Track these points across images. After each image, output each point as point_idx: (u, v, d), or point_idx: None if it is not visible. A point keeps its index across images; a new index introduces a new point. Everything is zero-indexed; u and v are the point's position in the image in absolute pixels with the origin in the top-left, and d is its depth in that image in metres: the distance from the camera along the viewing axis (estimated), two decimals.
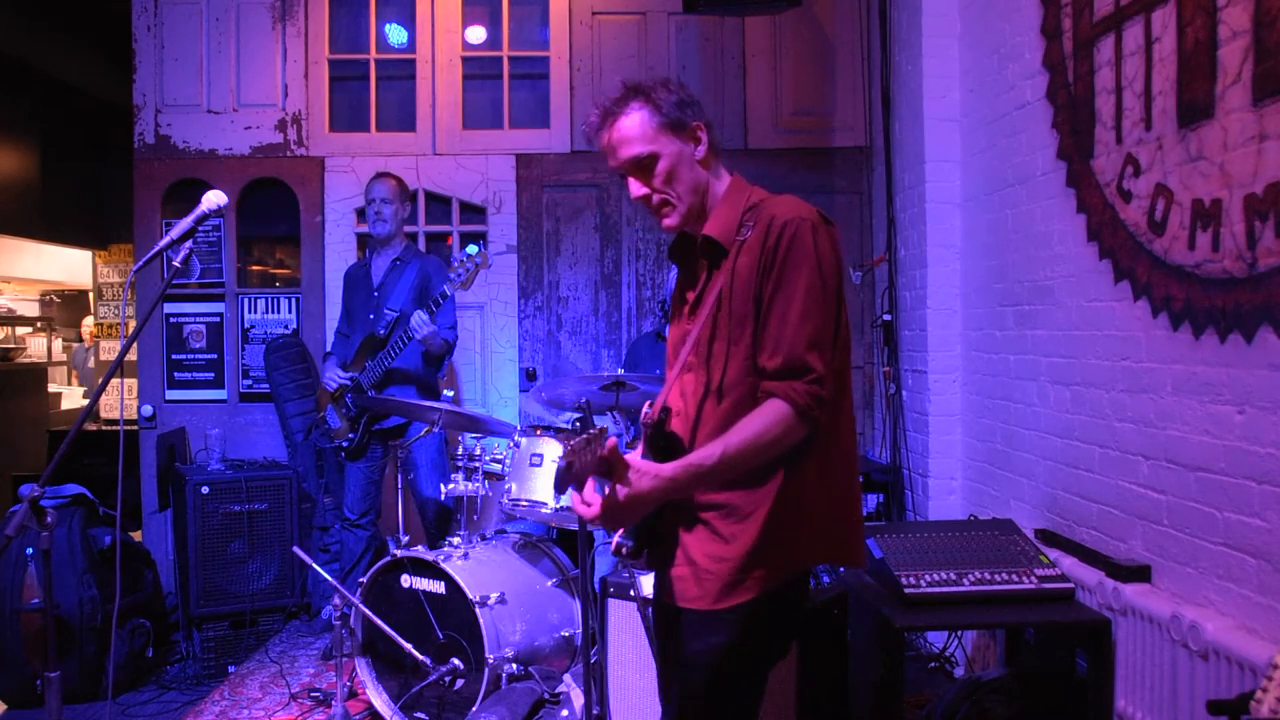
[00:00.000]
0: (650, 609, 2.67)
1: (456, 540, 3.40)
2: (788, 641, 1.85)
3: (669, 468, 1.59)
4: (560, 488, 1.50)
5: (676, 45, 5.02)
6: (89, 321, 9.54)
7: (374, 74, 5.02)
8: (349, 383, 4.03)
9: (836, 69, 5.01)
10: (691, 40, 5.02)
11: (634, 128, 1.76)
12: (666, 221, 1.81)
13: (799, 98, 5.02)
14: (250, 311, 5.04)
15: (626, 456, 1.56)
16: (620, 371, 3.35)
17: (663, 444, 1.75)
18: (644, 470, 1.58)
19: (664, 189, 1.78)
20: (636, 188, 1.80)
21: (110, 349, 9.68)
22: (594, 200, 5.04)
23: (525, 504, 3.34)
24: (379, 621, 3.11)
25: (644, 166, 1.77)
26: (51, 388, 8.17)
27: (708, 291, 1.78)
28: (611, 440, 1.54)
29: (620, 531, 1.76)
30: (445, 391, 4.14)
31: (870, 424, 5.00)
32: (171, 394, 4.98)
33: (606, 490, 1.58)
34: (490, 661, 2.99)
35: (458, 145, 4.99)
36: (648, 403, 1.77)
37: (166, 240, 2.03)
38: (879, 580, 2.79)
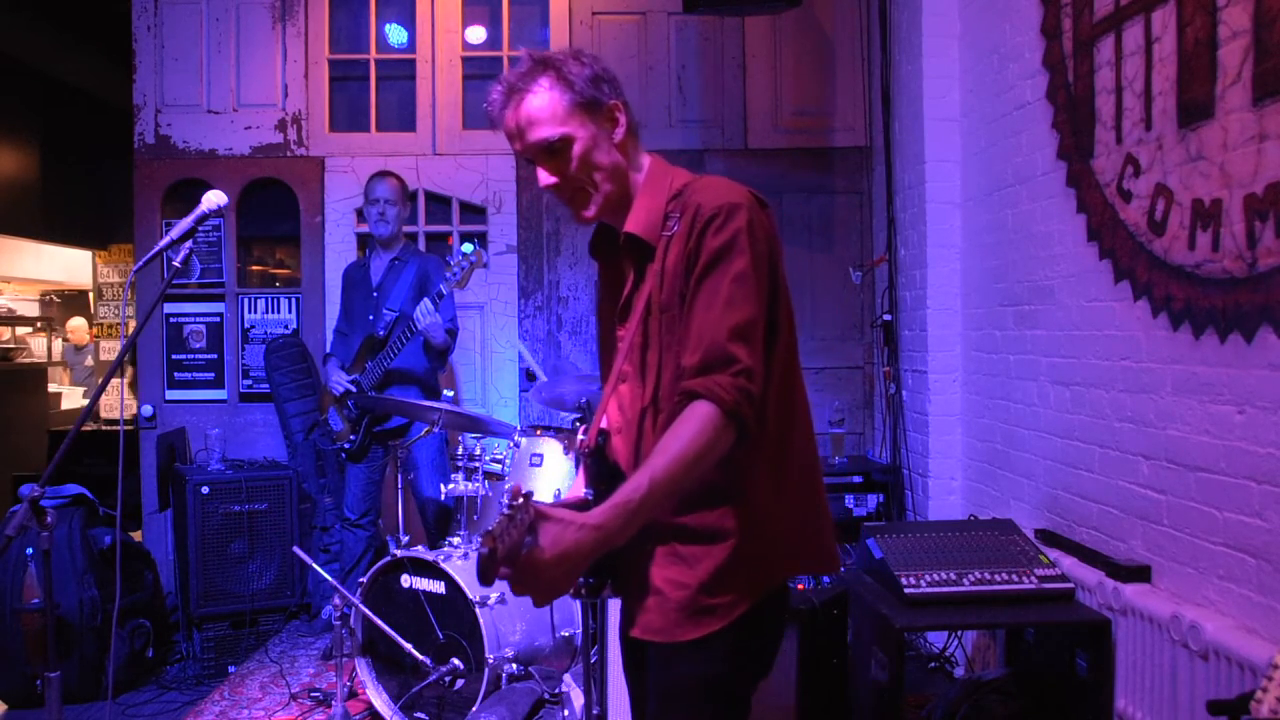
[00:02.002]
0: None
1: (456, 540, 3.40)
2: (769, 660, 1.67)
3: (596, 514, 1.37)
4: (485, 578, 1.26)
5: (676, 45, 5.02)
6: (73, 324, 9.52)
7: (374, 74, 5.02)
8: (351, 388, 4.03)
9: (836, 69, 5.01)
10: (691, 40, 5.02)
11: (543, 108, 1.55)
12: (581, 214, 1.62)
13: (799, 98, 5.02)
14: (250, 311, 5.04)
15: (549, 508, 1.35)
16: None
17: (605, 473, 1.56)
18: (567, 522, 1.34)
19: (578, 177, 1.58)
20: (546, 176, 1.59)
21: (110, 349, 9.68)
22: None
23: None
24: (379, 621, 3.11)
25: (555, 151, 1.57)
26: (51, 388, 8.17)
27: (636, 295, 1.60)
28: (537, 507, 1.33)
29: None
30: (445, 391, 4.14)
31: (870, 424, 5.00)
32: (171, 394, 4.98)
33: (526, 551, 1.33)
34: (490, 661, 2.99)
35: (458, 145, 4.99)
36: (582, 428, 1.61)
37: (166, 240, 2.02)
38: (879, 580, 2.79)
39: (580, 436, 1.59)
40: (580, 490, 1.61)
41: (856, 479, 4.13)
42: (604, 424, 1.61)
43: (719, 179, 1.59)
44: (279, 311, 5.04)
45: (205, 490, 4.04)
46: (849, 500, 4.09)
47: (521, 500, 1.29)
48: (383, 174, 4.13)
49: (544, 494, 3.32)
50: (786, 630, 2.70)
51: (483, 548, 1.24)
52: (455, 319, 4.04)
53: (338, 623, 3.14)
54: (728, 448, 1.45)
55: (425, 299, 3.78)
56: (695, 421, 1.43)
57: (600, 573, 1.58)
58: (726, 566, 1.52)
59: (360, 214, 4.91)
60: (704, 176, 1.62)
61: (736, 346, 1.45)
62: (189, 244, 2.01)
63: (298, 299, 5.02)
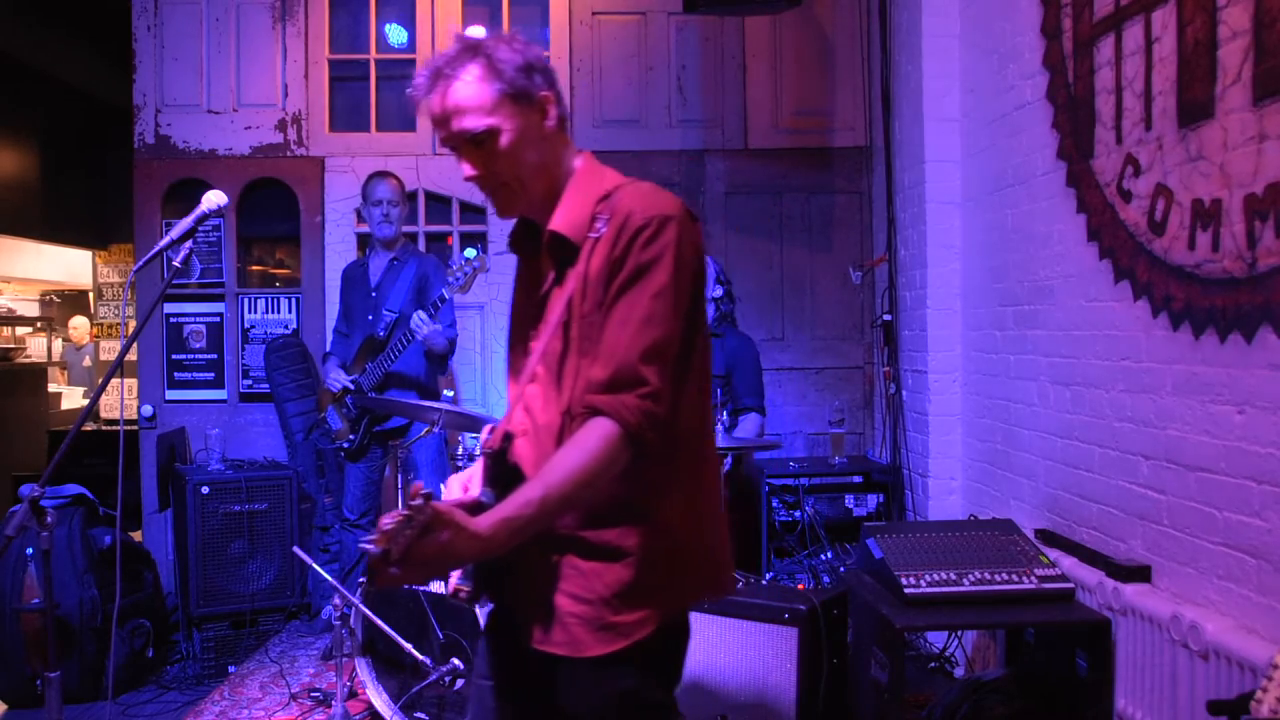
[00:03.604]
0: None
1: None
2: (678, 674, 1.60)
3: (484, 524, 1.33)
4: (374, 579, 1.24)
5: (676, 45, 5.02)
6: (75, 322, 9.52)
7: (374, 74, 5.02)
8: (350, 385, 4.03)
9: (836, 69, 5.01)
10: (691, 40, 5.02)
11: (470, 96, 1.47)
12: (504, 210, 1.56)
13: (799, 98, 5.02)
14: (250, 311, 5.04)
15: (447, 511, 1.30)
16: None
17: (503, 476, 1.51)
18: (460, 527, 1.31)
19: (504, 172, 1.51)
20: (468, 168, 1.51)
21: (110, 349, 9.68)
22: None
23: None
24: (379, 621, 3.11)
25: (479, 143, 1.49)
26: (51, 388, 8.17)
27: (554, 297, 1.54)
28: (436, 508, 1.28)
29: (458, 574, 1.55)
30: (445, 392, 4.14)
31: (870, 424, 5.00)
32: (171, 394, 4.98)
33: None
34: None
35: None
36: (488, 427, 1.58)
37: (166, 240, 2.02)
38: (879, 580, 2.79)
39: (485, 436, 1.55)
40: (477, 490, 1.56)
41: (856, 479, 4.13)
42: (510, 426, 1.57)
43: (650, 186, 1.52)
44: (279, 311, 5.03)
45: (205, 490, 4.04)
46: (849, 500, 4.09)
47: (421, 500, 1.25)
48: (381, 174, 4.12)
49: None
50: (786, 630, 2.72)
51: (375, 547, 1.22)
52: (455, 324, 4.05)
53: (338, 623, 3.14)
54: (622, 467, 1.42)
55: (419, 311, 3.76)
56: (595, 440, 1.40)
57: (483, 579, 1.56)
58: (635, 584, 1.47)
59: (360, 214, 4.91)
60: (636, 182, 1.55)
61: (648, 368, 1.41)
62: (189, 244, 2.01)
63: (298, 299, 5.02)
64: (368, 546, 1.24)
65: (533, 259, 1.64)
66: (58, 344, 9.90)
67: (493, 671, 1.66)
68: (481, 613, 3.03)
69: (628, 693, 1.51)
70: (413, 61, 5.00)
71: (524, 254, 1.67)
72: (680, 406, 1.48)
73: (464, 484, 1.64)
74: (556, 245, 1.53)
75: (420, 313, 3.76)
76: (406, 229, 4.61)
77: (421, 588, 3.17)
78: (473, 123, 1.48)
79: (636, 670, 1.50)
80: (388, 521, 1.24)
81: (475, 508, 1.42)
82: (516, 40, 1.53)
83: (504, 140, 1.49)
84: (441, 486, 1.83)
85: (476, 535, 1.32)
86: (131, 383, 6.10)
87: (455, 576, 1.58)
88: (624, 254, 1.44)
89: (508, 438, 1.55)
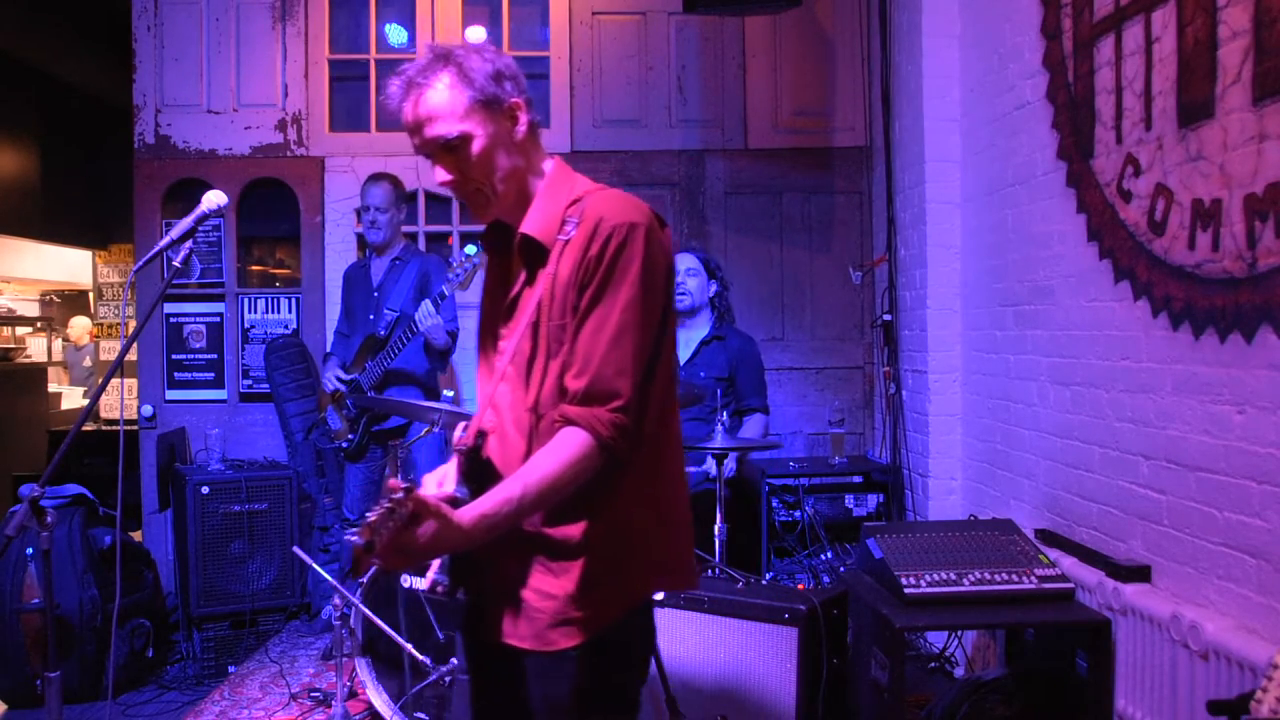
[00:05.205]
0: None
1: None
2: (644, 668, 1.68)
3: (465, 518, 1.40)
4: (357, 570, 1.31)
5: (676, 45, 5.02)
6: (76, 322, 9.52)
7: (374, 74, 5.01)
8: (350, 384, 4.03)
9: (836, 69, 5.01)
10: (691, 40, 5.02)
11: (442, 104, 1.52)
12: (478, 214, 1.61)
13: (799, 98, 5.02)
14: (250, 311, 5.04)
15: (430, 502, 1.37)
16: None
17: (477, 472, 1.58)
18: (444, 518, 1.38)
19: (477, 177, 1.56)
20: (442, 173, 1.56)
21: (110, 349, 9.68)
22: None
23: None
24: (379, 621, 3.11)
25: (452, 149, 1.54)
26: (51, 388, 8.17)
27: (524, 297, 1.59)
28: (420, 498, 1.35)
29: (435, 568, 1.62)
30: (445, 392, 4.14)
31: (870, 424, 5.00)
32: (171, 394, 4.98)
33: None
34: None
35: None
36: (462, 424, 1.63)
37: (166, 240, 2.02)
38: (879, 580, 2.79)
39: (459, 434, 1.60)
40: (452, 486, 1.61)
41: (856, 479, 4.13)
42: (482, 424, 1.62)
43: (620, 193, 1.58)
44: (279, 311, 5.04)
45: (205, 490, 4.04)
46: (849, 500, 4.09)
47: (402, 494, 1.31)
48: (376, 178, 4.10)
49: None
50: (786, 630, 2.72)
51: (359, 539, 1.27)
52: (456, 320, 4.04)
53: (338, 623, 3.14)
54: (593, 476, 1.49)
55: (426, 300, 3.78)
56: (570, 449, 1.46)
57: (457, 574, 1.61)
58: (593, 579, 1.53)
59: (360, 214, 4.91)
60: (605, 188, 1.60)
61: (621, 381, 1.48)
62: (189, 244, 2.01)
63: (298, 299, 5.02)
64: (352, 538, 1.28)
65: (503, 259, 1.69)
66: (58, 344, 9.90)
67: (467, 664, 1.73)
68: None
69: (591, 683, 1.56)
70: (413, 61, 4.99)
71: (495, 254, 1.72)
72: (646, 410, 1.54)
73: (438, 480, 1.67)
74: (527, 247, 1.58)
75: (427, 301, 3.76)
76: (407, 229, 4.60)
77: (421, 588, 3.17)
78: (445, 129, 1.52)
79: (601, 661, 1.56)
80: (371, 514, 1.29)
81: (451, 503, 1.47)
82: (487, 49, 1.57)
83: (476, 146, 1.54)
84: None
85: (459, 527, 1.39)
86: (131, 383, 6.10)
87: (433, 571, 1.63)
88: (595, 261, 1.49)
89: (480, 435, 1.61)
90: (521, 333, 1.56)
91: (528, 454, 1.54)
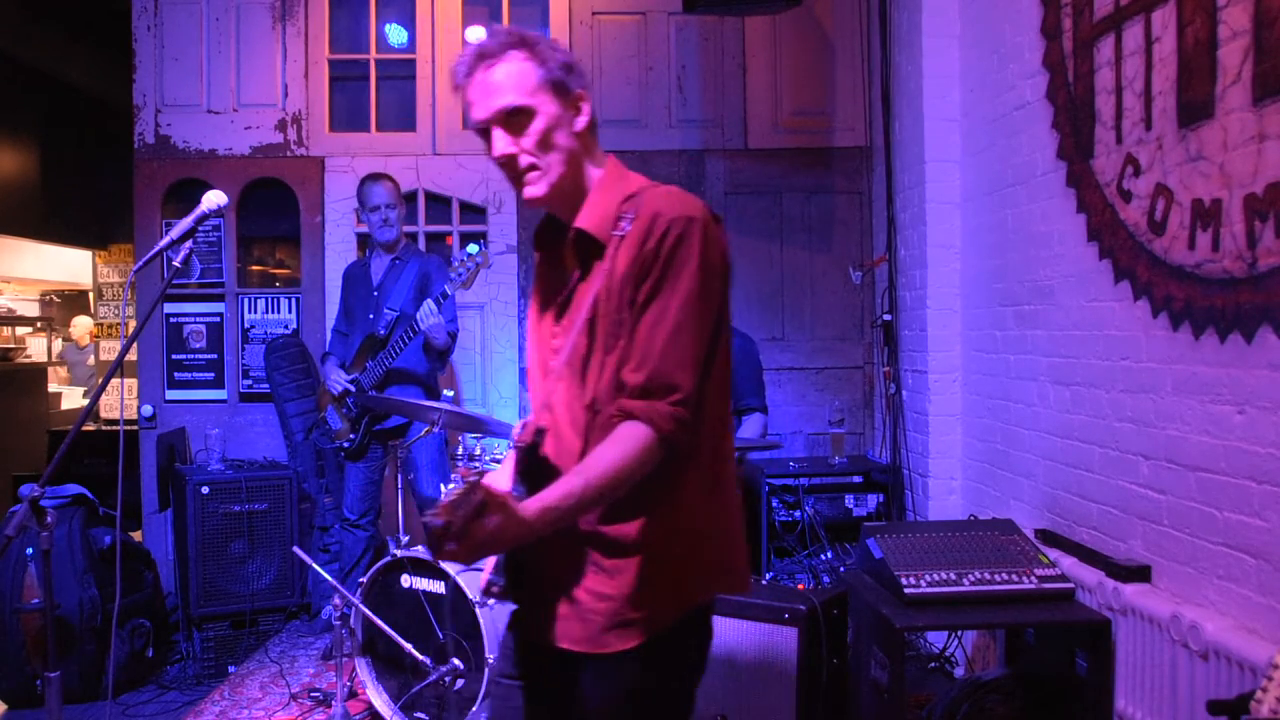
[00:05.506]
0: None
1: None
2: (700, 670, 1.63)
3: (529, 511, 1.38)
4: (438, 549, 1.30)
5: (676, 45, 5.02)
6: (78, 322, 9.52)
7: (374, 74, 5.02)
8: (350, 385, 4.03)
9: (836, 69, 5.01)
10: (691, 40, 5.02)
11: (511, 76, 1.52)
12: (530, 191, 1.56)
13: (799, 98, 5.02)
14: (250, 311, 5.04)
15: (499, 494, 1.36)
16: None
17: (534, 471, 1.56)
18: (510, 511, 1.36)
19: (534, 152, 1.54)
20: (501, 144, 1.53)
21: (110, 349, 9.68)
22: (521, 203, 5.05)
23: None
24: (379, 621, 3.11)
25: (515, 122, 1.53)
26: (51, 388, 8.17)
27: (579, 294, 1.57)
28: (489, 489, 1.33)
29: (489, 569, 1.60)
30: (445, 391, 4.14)
31: (870, 424, 5.00)
32: (171, 394, 4.98)
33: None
34: (490, 661, 2.99)
35: (458, 145, 4.99)
36: (521, 421, 1.61)
37: (166, 240, 2.02)
38: (879, 580, 2.79)
39: (517, 431, 1.59)
40: (507, 485, 1.59)
41: (856, 479, 4.13)
42: (540, 422, 1.61)
43: (676, 189, 1.56)
44: (279, 311, 5.04)
45: (205, 490, 4.04)
46: (849, 500, 4.09)
47: (475, 479, 1.31)
48: (375, 178, 4.09)
49: None
50: (786, 630, 2.72)
51: (437, 519, 1.27)
52: (456, 319, 4.04)
53: (338, 623, 3.14)
54: (652, 470, 1.47)
55: (428, 300, 3.78)
56: (631, 442, 1.44)
57: (513, 576, 1.59)
58: (650, 579, 1.51)
59: (359, 215, 4.91)
60: (660, 185, 1.59)
61: (681, 374, 1.46)
62: (189, 244, 2.01)
63: (298, 299, 5.02)
64: (430, 520, 1.27)
65: (555, 259, 1.67)
66: (58, 344, 9.89)
67: (517, 668, 1.68)
68: (490, 612, 3.03)
69: (647, 686, 1.54)
70: (413, 61, 5.00)
71: (546, 252, 1.70)
72: (703, 405, 1.52)
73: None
74: (582, 242, 1.57)
75: (429, 301, 3.76)
76: (406, 229, 4.61)
77: (422, 588, 3.17)
78: (512, 99, 1.52)
79: (656, 663, 1.53)
80: (449, 493, 1.28)
81: None
82: (558, 43, 1.60)
83: (538, 122, 1.53)
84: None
85: (523, 520, 1.37)
86: (131, 383, 6.10)
87: (488, 572, 1.60)
88: (653, 254, 1.48)
89: (539, 432, 1.59)
90: (578, 329, 1.54)
91: (583, 452, 1.52)
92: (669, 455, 1.46)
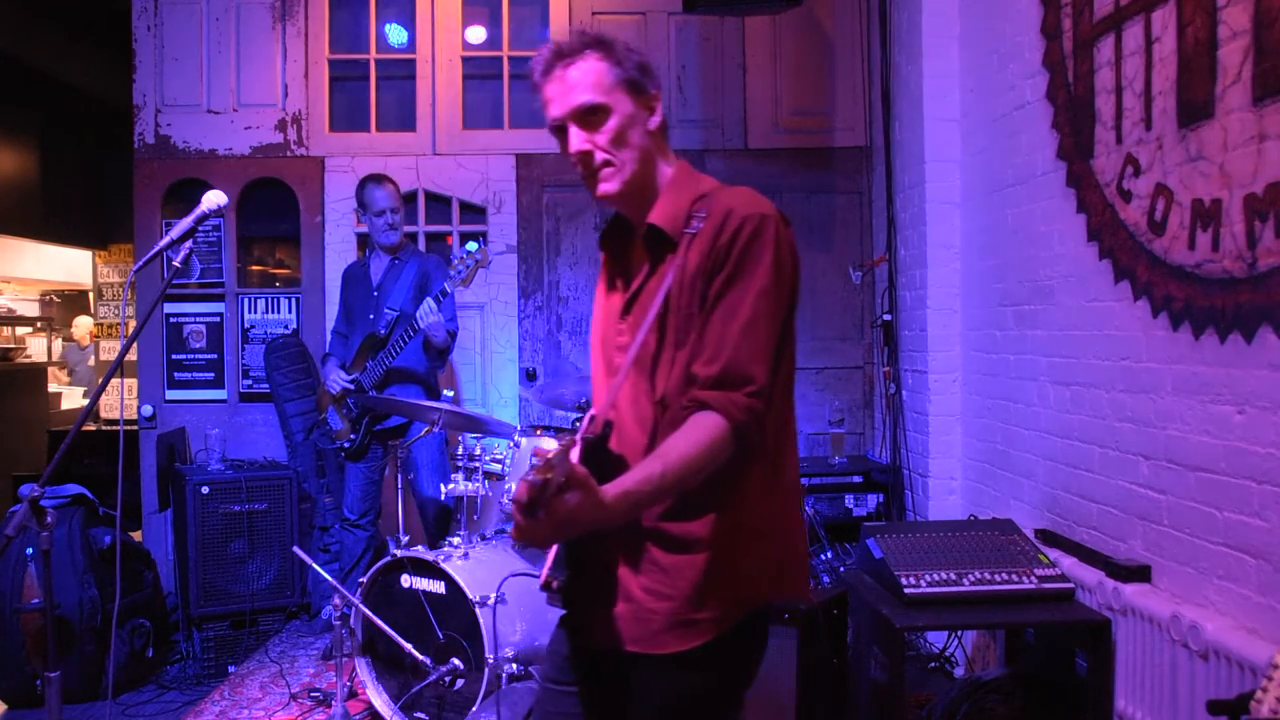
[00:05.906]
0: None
1: (456, 540, 3.40)
2: (754, 673, 1.61)
3: (609, 492, 1.35)
4: (530, 509, 1.25)
5: (676, 45, 5.02)
6: (79, 322, 9.52)
7: (374, 74, 5.02)
8: (351, 385, 4.03)
9: (836, 69, 5.01)
10: (691, 40, 5.02)
11: (589, 74, 1.55)
12: (604, 187, 1.58)
13: (799, 98, 5.02)
14: (250, 311, 5.04)
15: (584, 474, 1.33)
16: None
17: (600, 463, 1.49)
18: (591, 491, 1.33)
19: (610, 149, 1.56)
20: (578, 141, 1.55)
21: (110, 349, 9.68)
22: (594, 200, 5.05)
23: None
24: (379, 621, 3.11)
25: (591, 119, 1.55)
26: (51, 388, 8.17)
27: (648, 291, 1.58)
28: (573, 469, 1.30)
29: (550, 563, 1.58)
30: (445, 391, 4.14)
31: (870, 424, 5.00)
32: (171, 394, 4.98)
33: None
34: (490, 661, 2.99)
35: (458, 145, 4.99)
36: (590, 413, 1.59)
37: (166, 240, 2.02)
38: (879, 580, 2.79)
39: (585, 425, 1.57)
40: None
41: (856, 479, 4.13)
42: (607, 415, 1.59)
43: (749, 190, 1.57)
44: (279, 311, 5.04)
45: (205, 490, 4.04)
46: (849, 500, 4.09)
47: (565, 452, 1.27)
48: (378, 180, 4.09)
49: None
50: (786, 630, 2.72)
51: (537, 477, 1.23)
52: (455, 318, 4.05)
53: (338, 623, 3.14)
54: (724, 463, 1.45)
55: (428, 298, 3.78)
56: (705, 431, 1.43)
57: (572, 567, 1.56)
58: (713, 579, 1.49)
59: (359, 215, 4.91)
60: (730, 186, 1.60)
61: (755, 366, 1.46)
62: (189, 244, 2.01)
63: (298, 299, 5.02)
64: (529, 479, 1.23)
65: (622, 259, 1.69)
66: (58, 344, 9.89)
67: (571, 668, 1.66)
68: (490, 612, 3.03)
69: (703, 689, 1.52)
70: (413, 61, 5.00)
71: (611, 251, 1.71)
72: (774, 401, 1.52)
73: None
74: (654, 238, 1.58)
75: (429, 299, 3.76)
76: (406, 229, 4.61)
77: (422, 588, 3.17)
78: (589, 97, 1.54)
79: (713, 666, 1.51)
80: (530, 474, 1.24)
81: None
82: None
83: (614, 120, 1.55)
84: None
85: (600, 503, 1.34)
86: (131, 383, 6.10)
87: (548, 567, 1.58)
88: (726, 249, 1.49)
89: (609, 425, 1.57)
90: (647, 327, 1.54)
91: (648, 449, 1.50)
92: (740, 448, 1.46)
